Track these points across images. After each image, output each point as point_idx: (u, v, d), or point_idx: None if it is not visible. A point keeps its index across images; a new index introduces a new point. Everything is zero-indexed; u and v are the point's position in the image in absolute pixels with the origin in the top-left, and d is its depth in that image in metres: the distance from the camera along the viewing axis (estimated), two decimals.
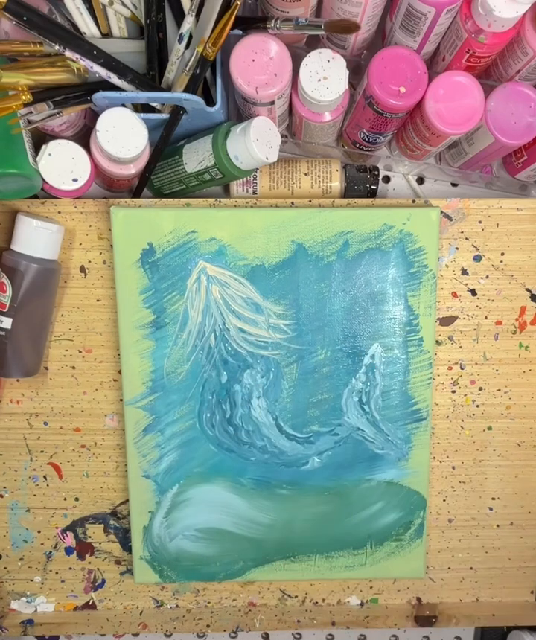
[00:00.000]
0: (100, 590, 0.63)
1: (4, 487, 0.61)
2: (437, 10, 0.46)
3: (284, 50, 0.49)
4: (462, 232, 0.59)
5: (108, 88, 0.50)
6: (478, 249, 0.59)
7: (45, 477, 0.61)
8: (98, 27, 0.52)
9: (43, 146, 0.52)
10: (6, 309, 0.54)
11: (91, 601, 0.63)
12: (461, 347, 0.60)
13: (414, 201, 0.58)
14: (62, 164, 0.52)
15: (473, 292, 0.60)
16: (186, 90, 0.50)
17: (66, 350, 0.59)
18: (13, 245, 0.54)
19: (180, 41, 0.49)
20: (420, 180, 0.63)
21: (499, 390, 0.61)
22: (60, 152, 0.52)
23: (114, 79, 0.49)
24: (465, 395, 0.61)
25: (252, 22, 0.49)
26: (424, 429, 0.59)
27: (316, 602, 0.63)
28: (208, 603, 0.63)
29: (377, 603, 0.63)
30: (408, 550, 0.61)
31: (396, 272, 0.57)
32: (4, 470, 0.61)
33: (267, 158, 0.52)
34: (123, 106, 0.52)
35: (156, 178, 0.59)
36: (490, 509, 0.62)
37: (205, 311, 0.57)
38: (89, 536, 0.62)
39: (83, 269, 0.59)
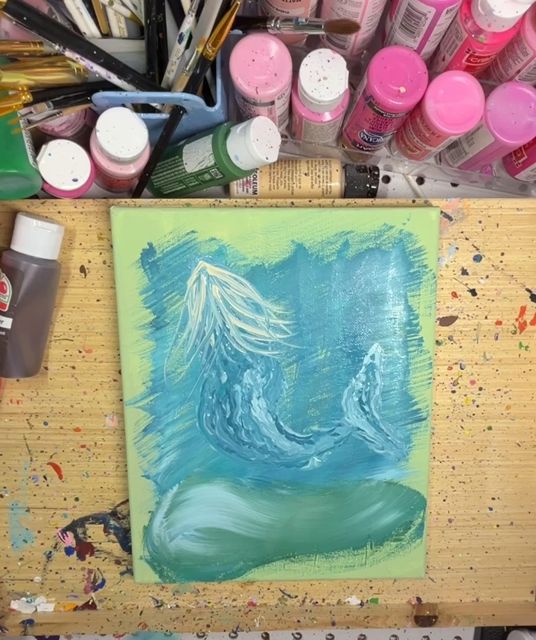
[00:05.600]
0: (100, 590, 0.63)
1: (4, 487, 0.61)
2: (437, 10, 0.46)
3: (284, 50, 0.49)
4: (462, 232, 0.59)
5: (108, 88, 0.50)
6: (478, 249, 0.59)
7: (45, 477, 0.61)
8: (98, 27, 0.52)
9: (43, 146, 0.52)
10: (6, 309, 0.54)
11: (91, 601, 0.63)
12: (461, 347, 0.60)
13: (414, 201, 0.58)
14: (62, 164, 0.52)
15: (473, 292, 0.60)
16: (186, 90, 0.50)
17: (66, 350, 0.59)
18: (13, 245, 0.54)
19: (180, 41, 0.49)
20: (420, 180, 0.63)
21: (499, 390, 0.61)
22: (60, 152, 0.52)
23: (114, 79, 0.49)
24: (465, 395, 0.61)
25: (252, 22, 0.49)
26: (424, 429, 0.59)
27: (316, 602, 0.63)
28: (208, 603, 0.63)
29: (377, 603, 0.63)
30: (408, 550, 0.61)
31: (396, 272, 0.57)
32: (4, 470, 0.61)
33: (267, 158, 0.52)
34: (123, 106, 0.52)
35: (156, 178, 0.59)
36: (490, 509, 0.62)
37: (205, 311, 0.57)
38: (89, 536, 0.62)
39: (83, 269, 0.59)
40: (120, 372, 0.59)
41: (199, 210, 0.56)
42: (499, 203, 0.59)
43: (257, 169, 0.58)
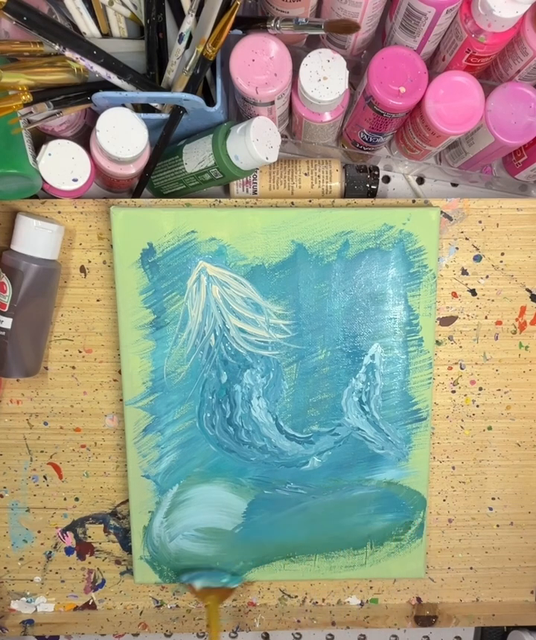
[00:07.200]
0: (100, 590, 0.63)
1: (4, 487, 0.61)
2: (437, 10, 0.46)
3: (284, 50, 0.49)
4: (462, 232, 0.59)
5: (108, 88, 0.50)
6: (478, 249, 0.59)
7: (45, 477, 0.61)
8: (98, 27, 0.52)
9: (43, 146, 0.52)
10: (6, 309, 0.54)
11: (91, 601, 0.63)
12: (461, 347, 0.60)
13: (414, 201, 0.58)
14: (62, 164, 0.52)
15: (473, 292, 0.60)
16: (186, 90, 0.50)
17: (66, 350, 0.59)
18: (13, 245, 0.54)
19: (180, 41, 0.49)
20: (420, 180, 0.63)
21: (499, 390, 0.61)
22: (60, 152, 0.52)
23: (114, 79, 0.49)
24: (465, 395, 0.61)
25: (252, 22, 0.49)
26: (424, 429, 0.59)
27: (316, 602, 0.63)
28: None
29: (377, 603, 0.63)
30: (408, 550, 0.61)
31: (396, 272, 0.57)
32: (4, 470, 0.61)
33: (267, 158, 0.52)
34: (123, 106, 0.52)
35: (156, 178, 0.59)
36: (490, 509, 0.63)
37: (205, 311, 0.57)
38: (89, 536, 0.62)
39: (83, 269, 0.59)
40: (120, 372, 0.59)
41: (199, 210, 0.56)
42: (499, 203, 0.59)
43: (257, 169, 0.58)
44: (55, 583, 0.62)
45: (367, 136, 0.56)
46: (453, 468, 0.62)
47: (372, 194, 0.59)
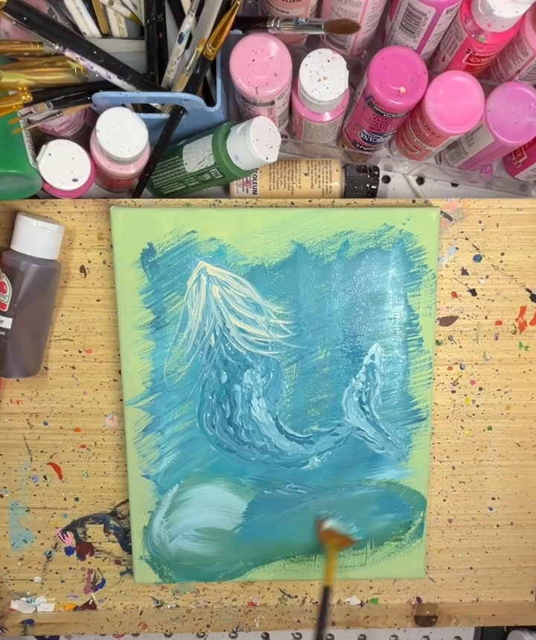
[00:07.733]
0: (100, 590, 0.63)
1: (4, 487, 0.61)
2: (437, 10, 0.46)
3: (284, 50, 0.49)
4: (462, 232, 0.59)
5: (108, 88, 0.50)
6: (478, 249, 0.59)
7: (45, 477, 0.61)
8: (98, 27, 0.52)
9: (43, 146, 0.52)
10: (6, 309, 0.54)
11: (91, 601, 0.63)
12: (461, 347, 0.60)
13: (414, 201, 0.58)
14: (62, 164, 0.52)
15: (473, 292, 0.60)
16: (186, 90, 0.50)
17: (66, 350, 0.59)
18: (13, 245, 0.54)
19: (180, 41, 0.49)
20: (420, 180, 0.63)
21: (499, 390, 0.61)
22: (60, 152, 0.52)
23: (114, 79, 0.49)
24: (465, 395, 0.61)
25: (252, 22, 0.49)
26: (424, 429, 0.59)
27: (316, 602, 0.63)
28: (208, 603, 0.63)
29: (377, 603, 0.63)
30: (408, 550, 0.61)
31: (396, 271, 0.57)
32: (4, 470, 0.61)
33: (267, 158, 0.52)
34: (123, 106, 0.52)
35: (156, 178, 0.59)
36: (490, 509, 0.63)
37: (205, 311, 0.57)
38: (89, 536, 0.62)
39: (83, 269, 0.59)
40: (120, 372, 0.59)
41: (199, 210, 0.56)
42: (499, 203, 0.59)
43: (257, 169, 0.58)
44: (55, 583, 0.62)
45: (367, 136, 0.56)
46: (453, 468, 0.62)
47: (372, 194, 0.59)
